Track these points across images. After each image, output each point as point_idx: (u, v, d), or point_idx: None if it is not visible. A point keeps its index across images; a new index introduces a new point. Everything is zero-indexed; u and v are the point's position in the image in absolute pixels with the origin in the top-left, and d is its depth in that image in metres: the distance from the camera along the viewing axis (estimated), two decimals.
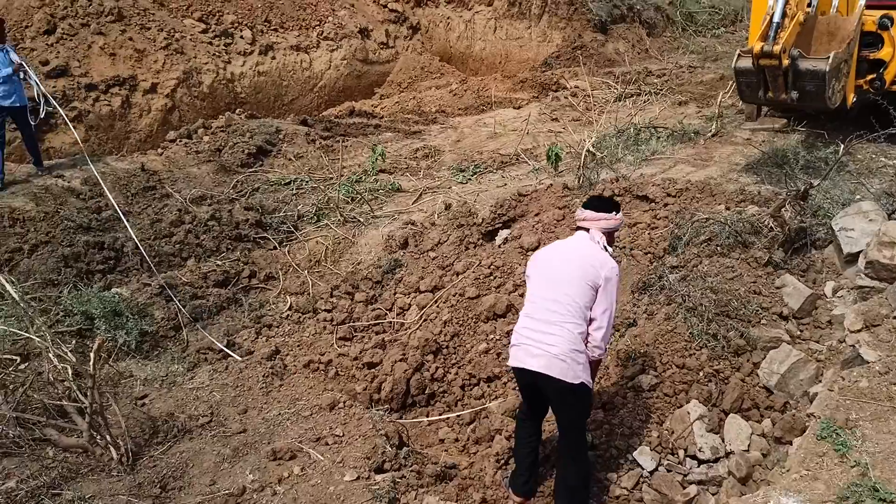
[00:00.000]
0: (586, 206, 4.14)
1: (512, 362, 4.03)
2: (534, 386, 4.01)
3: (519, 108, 13.35)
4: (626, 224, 6.61)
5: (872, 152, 8.76)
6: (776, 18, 6.70)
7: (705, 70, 15.51)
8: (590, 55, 16.15)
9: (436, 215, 8.22)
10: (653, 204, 6.89)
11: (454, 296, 6.48)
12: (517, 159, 10.16)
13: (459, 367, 5.89)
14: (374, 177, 9.57)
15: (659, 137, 10.03)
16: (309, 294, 7.32)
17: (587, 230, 4.07)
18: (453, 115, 13.11)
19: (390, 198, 9.07)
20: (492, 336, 5.99)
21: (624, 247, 6.27)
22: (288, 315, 7.10)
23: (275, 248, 8.02)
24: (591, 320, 3.87)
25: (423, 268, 7.30)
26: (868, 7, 8.13)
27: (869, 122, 7.60)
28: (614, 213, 4.10)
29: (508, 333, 5.93)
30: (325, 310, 6.95)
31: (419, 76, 16.00)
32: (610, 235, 4.13)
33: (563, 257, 3.99)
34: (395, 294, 7.03)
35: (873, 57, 8.53)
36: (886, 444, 3.53)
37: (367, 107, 14.01)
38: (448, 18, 18.33)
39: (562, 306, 3.81)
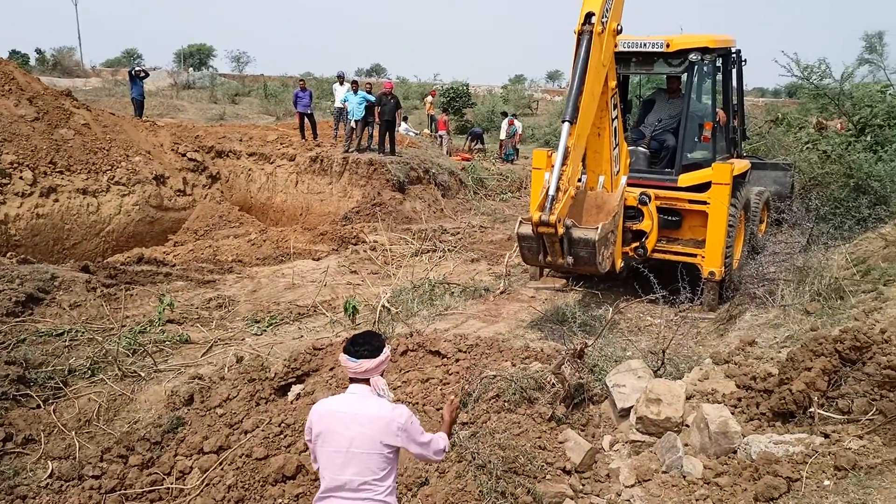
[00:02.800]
0: (359, 355, 3.68)
1: None
2: None
3: (318, 259, 13.44)
4: (420, 380, 6.69)
5: (640, 312, 9.71)
6: (551, 192, 7.46)
7: (495, 230, 16.69)
8: (388, 212, 16.83)
9: (226, 369, 7.84)
10: (445, 359, 7.03)
11: (241, 457, 6.08)
12: (315, 311, 10.10)
13: None
14: (160, 328, 9.03)
15: (452, 293, 10.46)
16: (75, 459, 6.55)
17: (366, 380, 3.74)
18: (251, 265, 12.91)
19: (177, 350, 8.56)
20: (280, 501, 5.64)
21: (416, 403, 6.29)
22: (48, 484, 6.27)
23: (38, 406, 7.18)
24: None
25: (208, 426, 6.82)
26: (629, 185, 9.31)
27: (635, 284, 8.49)
28: (385, 348, 3.81)
29: (298, 497, 5.63)
30: (92, 476, 6.22)
31: (217, 224, 15.74)
32: (383, 371, 3.86)
33: (352, 429, 3.62)
34: (175, 456, 6.47)
35: (636, 228, 9.68)
36: None
37: (159, 254, 13.46)
38: (249, 170, 18.49)
39: (364, 482, 3.61)
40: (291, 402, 6.97)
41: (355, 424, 3.63)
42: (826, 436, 4.55)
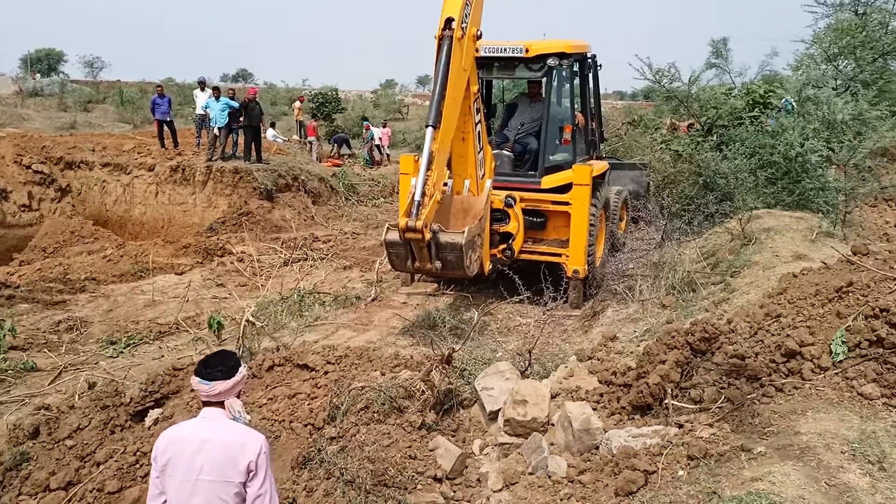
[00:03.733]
0: (212, 377, 3.46)
1: None
2: None
3: (182, 273, 12.84)
4: (287, 395, 6.47)
5: (510, 312, 9.85)
6: (417, 197, 7.43)
7: (367, 236, 16.53)
8: (256, 221, 16.33)
9: (77, 396, 7.29)
10: (313, 372, 6.84)
11: (92, 491, 5.67)
12: (177, 328, 9.61)
13: None
14: (1, 356, 8.30)
15: (323, 303, 10.24)
16: None
17: (220, 403, 3.52)
18: (106, 283, 12.13)
19: (21, 379, 7.90)
20: None
21: (283, 420, 6.07)
22: None
23: None
24: None
25: (56, 460, 6.32)
26: (495, 188, 9.42)
27: (505, 286, 8.59)
28: (241, 367, 3.62)
29: None
30: None
31: (68, 241, 14.72)
32: (239, 393, 3.64)
33: (203, 456, 3.38)
34: (18, 496, 5.95)
35: (503, 230, 9.82)
36: None
37: (2, 275, 12.39)
38: (104, 181, 17.45)
39: None
40: (149, 428, 6.59)
41: (206, 450, 3.40)
42: (680, 426, 4.73)
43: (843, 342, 4.67)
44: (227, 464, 3.37)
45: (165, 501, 3.48)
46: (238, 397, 3.64)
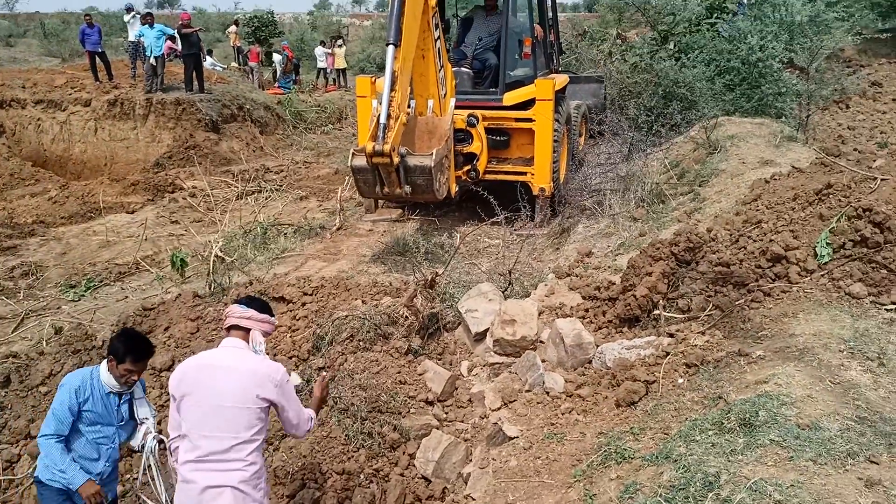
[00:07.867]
0: (250, 305, 3.69)
1: None
2: None
3: (133, 212, 12.42)
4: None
5: (476, 235, 9.78)
6: (382, 119, 7.17)
7: (320, 165, 16.19)
8: (204, 154, 15.81)
9: (44, 342, 7.05)
10: (290, 305, 6.72)
11: None
12: (138, 268, 9.33)
13: None
14: None
15: (286, 234, 10.03)
16: None
17: (245, 331, 3.63)
18: (55, 225, 11.65)
19: None
20: (124, 476, 5.21)
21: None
22: None
23: None
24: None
25: (32, 407, 6.14)
26: (457, 107, 9.18)
27: (470, 207, 8.48)
28: (275, 317, 3.86)
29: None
30: None
31: (9, 184, 14.04)
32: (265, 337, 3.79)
33: (223, 381, 3.41)
34: None
35: (466, 151, 9.62)
36: None
37: None
38: (38, 120, 16.54)
39: (231, 437, 3.35)
40: None
41: (230, 379, 3.44)
42: (671, 335, 4.78)
43: (827, 244, 4.73)
44: (252, 390, 3.42)
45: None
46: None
